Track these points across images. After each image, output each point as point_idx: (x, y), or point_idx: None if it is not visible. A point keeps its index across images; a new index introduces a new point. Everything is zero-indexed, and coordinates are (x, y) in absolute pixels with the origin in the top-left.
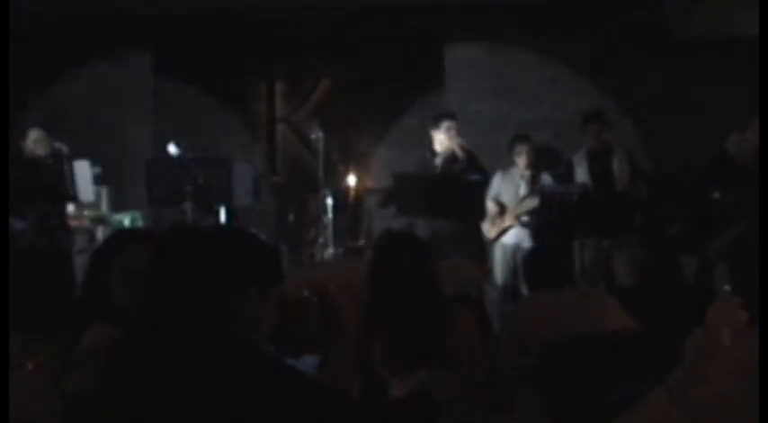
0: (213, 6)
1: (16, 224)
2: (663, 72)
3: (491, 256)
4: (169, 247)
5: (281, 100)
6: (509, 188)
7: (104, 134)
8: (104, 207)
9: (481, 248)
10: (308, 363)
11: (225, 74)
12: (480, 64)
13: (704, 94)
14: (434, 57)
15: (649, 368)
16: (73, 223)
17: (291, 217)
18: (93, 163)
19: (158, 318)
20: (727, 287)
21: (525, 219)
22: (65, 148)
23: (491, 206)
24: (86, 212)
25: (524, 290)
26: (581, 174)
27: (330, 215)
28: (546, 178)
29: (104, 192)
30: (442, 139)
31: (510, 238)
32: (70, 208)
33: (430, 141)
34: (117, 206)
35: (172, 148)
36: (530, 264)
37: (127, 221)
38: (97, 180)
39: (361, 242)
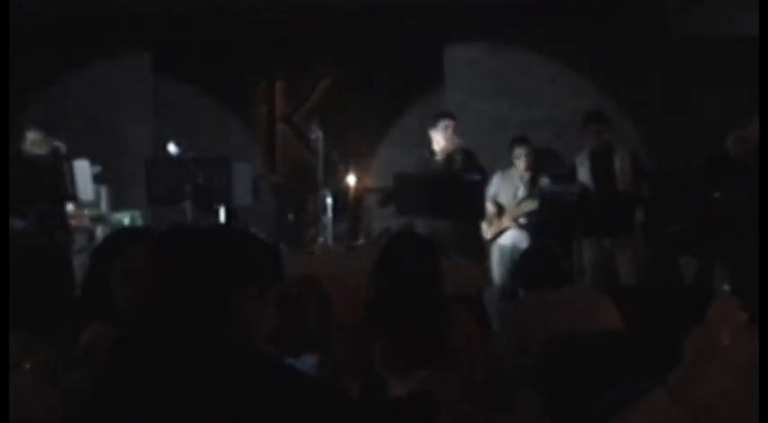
0: (213, 6)
1: (16, 224)
2: (663, 72)
3: (489, 257)
4: (169, 246)
5: (281, 100)
6: (508, 189)
7: (104, 134)
8: (104, 206)
9: (481, 248)
10: (307, 363)
11: (225, 74)
12: (480, 64)
13: (704, 94)
14: (434, 56)
15: (649, 368)
16: (72, 222)
17: (291, 216)
18: (93, 162)
19: (158, 317)
20: (726, 287)
21: (523, 220)
22: (63, 148)
23: (489, 207)
24: (86, 212)
25: (519, 290)
26: (583, 174)
27: (330, 215)
28: (544, 180)
29: (104, 191)
30: (439, 139)
31: (507, 239)
32: (70, 207)
33: (429, 141)
34: (117, 205)
35: (172, 148)
36: (522, 264)
37: (126, 221)
38: (97, 179)
39: (361, 241)
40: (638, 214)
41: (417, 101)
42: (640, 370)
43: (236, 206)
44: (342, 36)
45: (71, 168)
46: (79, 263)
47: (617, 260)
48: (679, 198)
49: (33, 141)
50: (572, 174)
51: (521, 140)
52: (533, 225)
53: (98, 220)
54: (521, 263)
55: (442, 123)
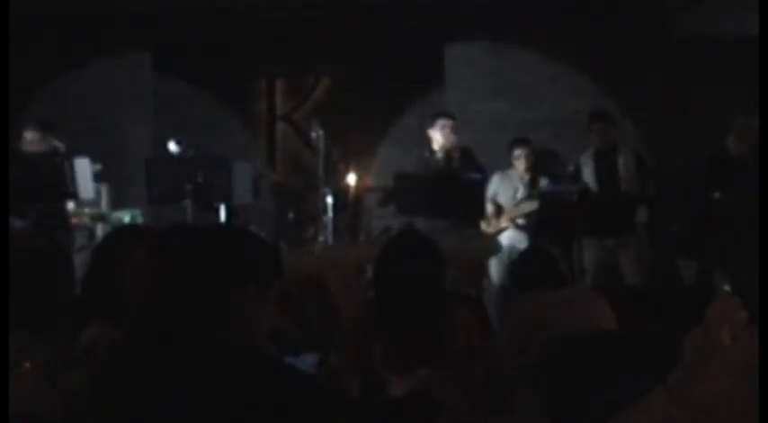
0: (213, 6)
1: (16, 223)
2: (663, 72)
3: None
4: (169, 246)
5: (282, 98)
6: (507, 190)
7: (105, 133)
8: (104, 205)
9: None
10: (307, 362)
11: (225, 73)
12: (480, 63)
13: (704, 94)
14: (434, 56)
15: (649, 368)
16: (73, 221)
17: (291, 215)
18: (94, 161)
19: (158, 317)
20: (726, 287)
21: (521, 221)
22: (62, 147)
23: (488, 207)
24: (86, 210)
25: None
26: (587, 173)
27: (330, 214)
28: (544, 182)
29: (104, 189)
30: (438, 138)
31: (505, 239)
32: (70, 205)
33: (429, 141)
34: (117, 204)
35: (172, 147)
36: (520, 265)
37: (127, 219)
38: (97, 178)
39: (361, 240)
40: (641, 214)
41: (417, 100)
42: (640, 370)
43: (236, 205)
44: (342, 35)
45: (72, 166)
46: (79, 261)
47: (620, 260)
48: (679, 198)
49: (31, 140)
50: (577, 173)
51: (520, 142)
52: (532, 225)
53: (98, 218)
54: (519, 264)
55: (440, 122)
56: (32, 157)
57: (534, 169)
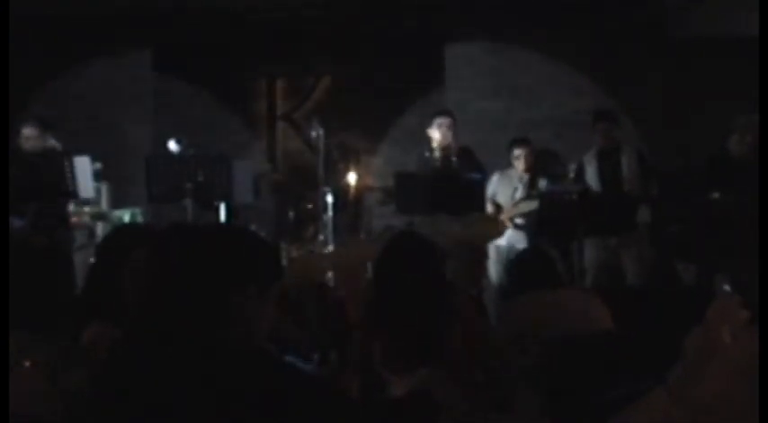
0: (213, 5)
1: (14, 223)
2: (663, 72)
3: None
4: (168, 246)
5: (282, 98)
6: (506, 190)
7: (105, 132)
8: (104, 204)
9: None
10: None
11: (225, 72)
12: (480, 63)
13: (704, 94)
14: (434, 55)
15: (649, 368)
16: (73, 220)
17: (291, 214)
18: (94, 160)
19: (158, 317)
20: (727, 287)
21: (519, 221)
22: (58, 146)
23: (487, 206)
24: (86, 209)
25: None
26: (591, 173)
27: (330, 213)
28: (543, 182)
29: (104, 188)
30: (436, 136)
31: (504, 238)
32: (70, 205)
33: (429, 140)
34: (117, 203)
35: (172, 146)
36: (518, 266)
37: (127, 218)
38: (97, 176)
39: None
40: (644, 213)
41: (418, 100)
42: (640, 370)
43: (236, 204)
44: (342, 34)
45: (72, 165)
46: (80, 260)
47: (622, 260)
48: (679, 198)
49: (29, 137)
50: (580, 172)
51: (520, 141)
52: (531, 225)
53: (98, 217)
54: (517, 264)
55: (438, 121)
56: (32, 156)
57: (533, 169)
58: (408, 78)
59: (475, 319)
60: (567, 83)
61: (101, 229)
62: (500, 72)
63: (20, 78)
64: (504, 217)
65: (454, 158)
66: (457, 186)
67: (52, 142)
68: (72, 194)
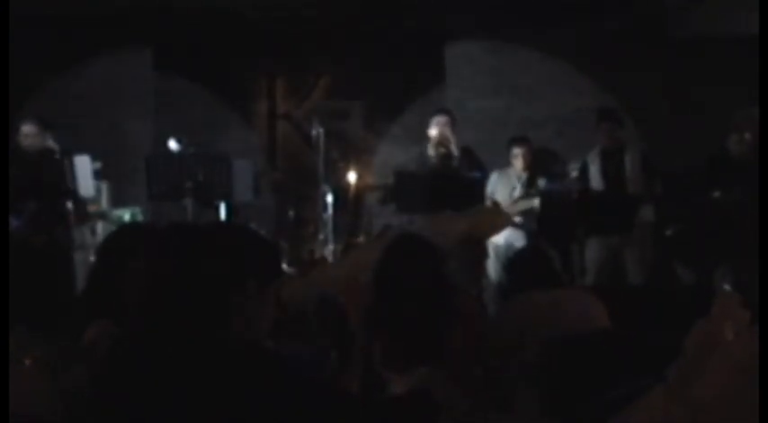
0: (214, 4)
1: (12, 223)
2: (663, 72)
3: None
4: (168, 245)
5: (282, 96)
6: (505, 188)
7: (105, 131)
8: (104, 203)
9: None
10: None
11: (225, 71)
12: (480, 62)
13: (704, 94)
14: (435, 54)
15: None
16: (72, 219)
17: (291, 213)
18: (94, 158)
19: (158, 317)
20: (727, 286)
21: (518, 219)
22: (56, 147)
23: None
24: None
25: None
26: (594, 172)
27: (330, 212)
28: (542, 181)
29: (104, 187)
30: (435, 135)
31: (502, 237)
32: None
33: (428, 139)
34: (117, 202)
35: (172, 145)
36: (516, 264)
37: (127, 217)
38: (97, 175)
39: (361, 239)
40: (648, 213)
41: (418, 99)
42: (640, 369)
43: (236, 203)
44: (342, 33)
45: (71, 164)
46: (80, 260)
47: (625, 259)
48: (679, 198)
49: (27, 134)
50: (584, 171)
51: (519, 140)
52: (530, 223)
53: (98, 216)
54: (515, 263)
55: (436, 119)
56: (32, 155)
57: (532, 168)
58: (408, 77)
59: (476, 319)
60: (567, 82)
61: (101, 228)
62: (500, 71)
63: (20, 78)
64: None
65: (455, 157)
66: (456, 185)
67: (50, 143)
68: (72, 194)
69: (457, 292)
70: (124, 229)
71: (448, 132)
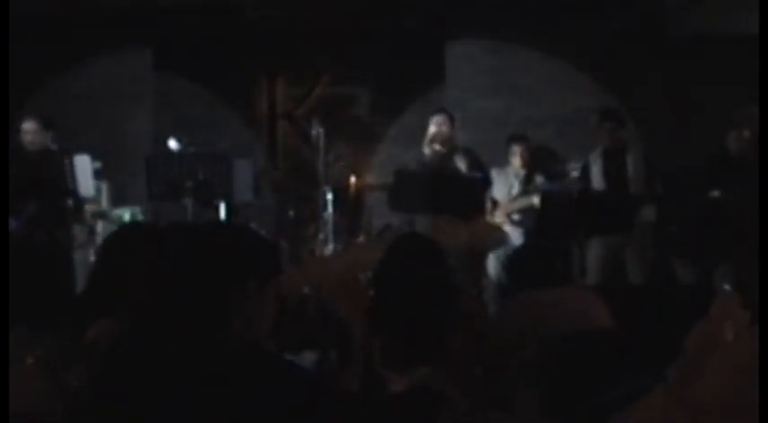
0: (214, 4)
1: (13, 222)
2: (663, 72)
3: None
4: (168, 244)
5: (282, 96)
6: (503, 186)
7: (105, 130)
8: (104, 202)
9: None
10: (307, 359)
11: (226, 70)
12: (480, 61)
13: (704, 94)
14: (435, 54)
15: (649, 367)
16: (72, 218)
17: (291, 213)
18: (94, 158)
19: (158, 316)
20: (727, 286)
21: (516, 217)
22: (55, 147)
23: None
24: (87, 207)
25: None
26: (596, 172)
27: (330, 211)
28: (540, 179)
29: (105, 187)
30: (434, 135)
31: None
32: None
33: (428, 138)
34: (117, 201)
35: (172, 144)
36: (515, 262)
37: (127, 216)
38: (97, 175)
39: (361, 238)
40: (649, 213)
41: (418, 99)
42: (640, 369)
43: (236, 202)
44: (343, 33)
45: (72, 164)
46: (80, 259)
47: (625, 259)
48: (679, 197)
49: (27, 131)
50: (585, 171)
51: (517, 138)
52: (527, 221)
53: (98, 215)
54: (514, 261)
55: (434, 119)
56: (32, 155)
57: (530, 166)
58: (408, 77)
59: (476, 319)
60: (567, 82)
61: (101, 227)
62: (500, 71)
63: (20, 78)
64: (500, 213)
65: (450, 156)
66: (456, 185)
67: (50, 143)
68: (72, 193)
69: (457, 291)
70: (124, 229)
71: (444, 131)
